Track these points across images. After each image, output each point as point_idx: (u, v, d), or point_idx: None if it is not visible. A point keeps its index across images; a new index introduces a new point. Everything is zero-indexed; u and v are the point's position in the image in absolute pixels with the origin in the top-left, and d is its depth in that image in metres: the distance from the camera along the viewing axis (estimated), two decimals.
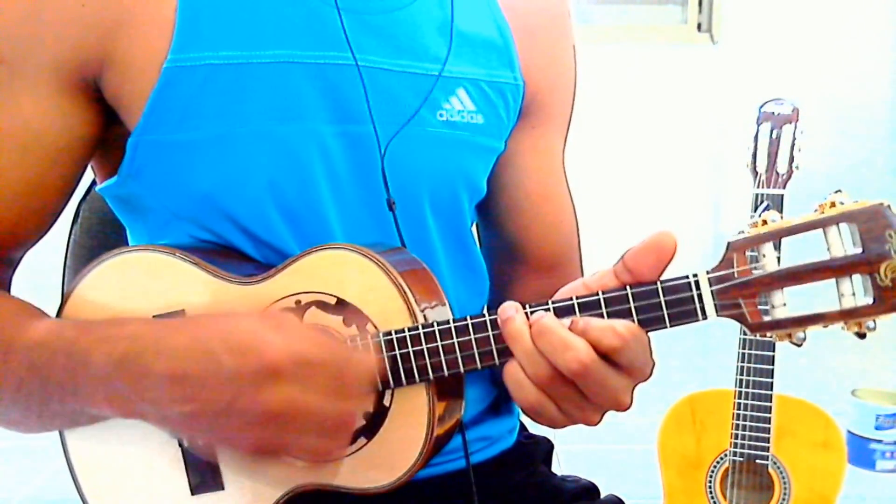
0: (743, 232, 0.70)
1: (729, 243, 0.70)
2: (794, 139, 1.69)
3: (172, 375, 0.70)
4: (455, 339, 0.75)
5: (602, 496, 1.06)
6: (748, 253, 0.70)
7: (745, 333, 1.70)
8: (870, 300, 0.68)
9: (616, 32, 3.12)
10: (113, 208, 0.92)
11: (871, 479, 2.68)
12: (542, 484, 1.03)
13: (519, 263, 1.02)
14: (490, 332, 0.74)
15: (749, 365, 1.70)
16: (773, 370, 1.70)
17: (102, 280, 0.82)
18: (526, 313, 0.73)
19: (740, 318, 0.71)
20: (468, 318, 0.75)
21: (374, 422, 0.78)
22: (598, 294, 0.72)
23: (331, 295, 0.78)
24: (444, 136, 0.90)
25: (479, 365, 0.75)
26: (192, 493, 0.82)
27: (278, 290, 0.79)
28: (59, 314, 0.83)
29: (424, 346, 0.75)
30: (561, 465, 2.38)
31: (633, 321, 0.71)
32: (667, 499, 1.84)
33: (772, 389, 1.70)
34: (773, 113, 1.70)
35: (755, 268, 0.70)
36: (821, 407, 1.79)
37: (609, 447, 2.79)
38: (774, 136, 1.69)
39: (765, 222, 0.69)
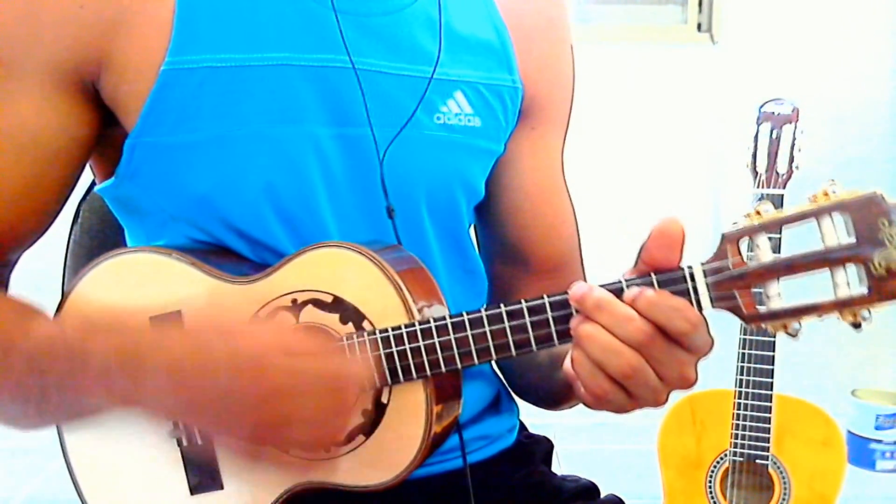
0: (737, 223, 0.70)
1: (723, 235, 0.70)
2: (794, 139, 1.69)
3: (171, 383, 0.71)
4: (452, 336, 0.75)
5: (602, 496, 1.06)
6: (744, 246, 0.70)
7: (745, 333, 1.70)
8: (864, 290, 0.68)
9: (616, 32, 3.11)
10: (111, 209, 0.92)
11: (871, 479, 2.68)
12: (541, 483, 1.03)
13: (519, 266, 1.02)
14: (487, 328, 0.74)
15: (749, 365, 1.70)
16: (773, 370, 1.70)
17: (100, 281, 0.83)
18: (547, 303, 0.73)
19: (735, 310, 0.71)
20: (464, 314, 0.75)
21: (372, 419, 0.78)
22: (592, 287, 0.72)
23: (327, 293, 0.78)
24: (441, 139, 0.90)
25: (476, 361, 0.75)
26: (192, 493, 0.82)
27: (275, 289, 0.79)
28: (57, 314, 0.83)
29: (421, 343, 0.76)
30: (561, 465, 2.38)
31: None
32: (667, 499, 1.84)
33: (772, 389, 1.70)
34: (773, 113, 1.71)
35: (750, 259, 0.70)
36: (821, 407, 1.80)
37: (609, 447, 2.79)
38: (774, 136, 1.70)
39: (758, 213, 0.69)
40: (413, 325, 0.76)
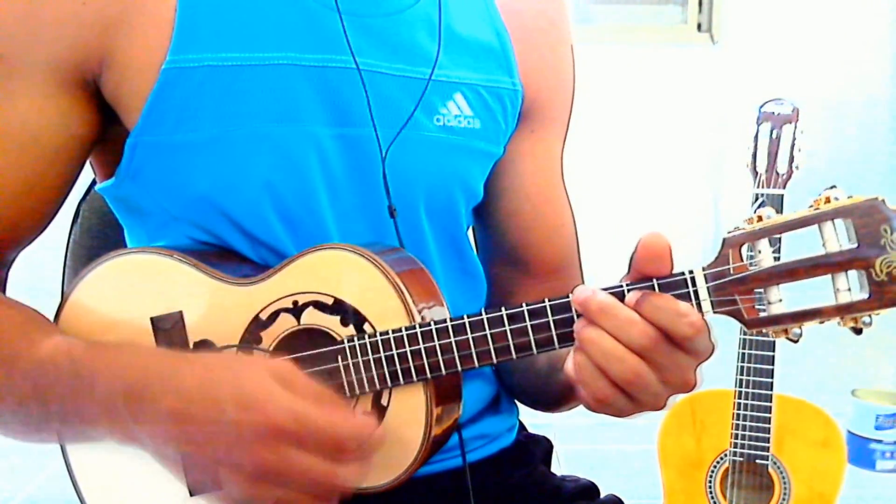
0: (738, 228, 0.70)
1: (724, 239, 0.70)
2: (794, 139, 1.69)
3: (175, 414, 0.70)
4: (452, 339, 0.75)
5: (602, 496, 1.06)
6: (745, 250, 0.70)
7: (744, 333, 1.70)
8: (865, 295, 0.68)
9: (616, 32, 3.11)
10: (112, 208, 0.92)
11: (871, 479, 2.68)
12: (540, 483, 1.03)
13: (518, 268, 1.02)
14: (488, 331, 0.74)
15: (749, 365, 1.70)
16: (773, 370, 1.70)
17: (101, 282, 0.82)
18: (547, 307, 0.73)
19: (736, 315, 0.70)
20: (465, 316, 0.75)
21: None
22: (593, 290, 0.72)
23: (328, 295, 0.78)
24: (440, 140, 0.90)
25: (476, 364, 0.75)
26: (191, 495, 0.82)
27: (276, 291, 0.79)
28: (57, 316, 0.83)
29: (422, 346, 0.76)
30: (561, 465, 2.38)
31: None
32: (667, 499, 1.84)
33: (772, 389, 1.70)
34: (773, 113, 1.70)
35: (751, 264, 0.70)
36: (821, 407, 1.79)
37: (609, 447, 2.79)
38: (774, 136, 1.69)
39: (760, 218, 0.69)
40: (413, 327, 0.76)
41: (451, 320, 0.75)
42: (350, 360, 0.78)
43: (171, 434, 0.72)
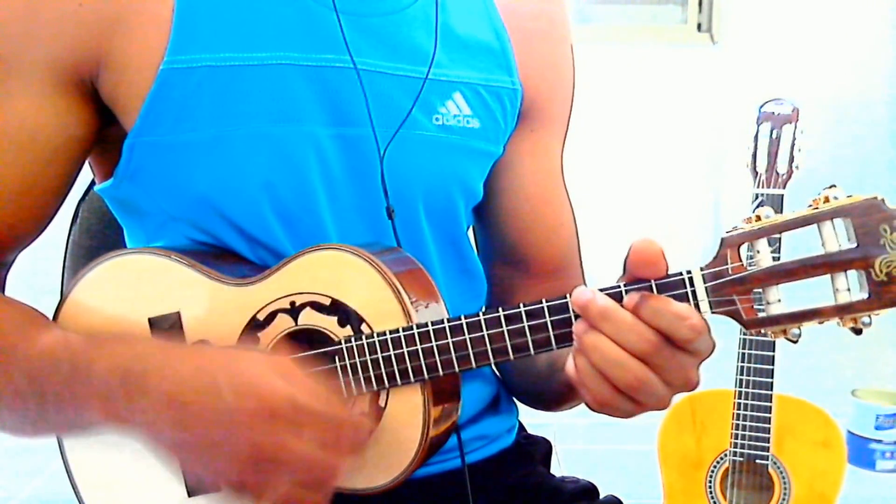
0: (736, 228, 0.70)
1: (722, 239, 0.70)
2: (794, 139, 1.69)
3: (172, 400, 0.70)
4: (450, 339, 0.75)
5: (601, 497, 1.06)
6: (744, 250, 0.70)
7: (744, 333, 1.70)
8: (865, 295, 0.67)
9: (616, 32, 3.11)
10: (111, 209, 0.92)
11: (871, 479, 2.67)
12: (540, 484, 1.03)
13: (518, 268, 1.02)
14: (485, 332, 0.74)
15: (749, 365, 1.70)
16: (773, 370, 1.69)
17: (99, 283, 0.83)
18: (546, 307, 0.72)
19: (735, 315, 0.70)
20: (462, 317, 0.75)
21: (370, 422, 0.78)
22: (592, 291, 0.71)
23: (325, 295, 0.78)
24: (439, 140, 0.90)
25: (474, 364, 0.75)
26: (189, 496, 0.82)
27: (273, 292, 0.79)
28: (55, 316, 0.83)
29: (419, 347, 0.75)
30: (561, 465, 2.38)
31: None
32: (667, 499, 1.84)
33: (772, 389, 1.70)
34: (773, 113, 1.70)
35: (750, 264, 0.69)
36: (821, 407, 1.79)
37: (609, 447, 2.79)
38: (774, 136, 1.69)
39: (759, 218, 0.69)
40: (411, 328, 0.76)
41: (449, 321, 0.75)
42: (347, 361, 0.78)
43: (168, 420, 0.71)
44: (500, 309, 0.74)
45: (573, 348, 0.73)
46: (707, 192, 3.10)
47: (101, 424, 0.76)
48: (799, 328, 0.70)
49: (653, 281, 0.70)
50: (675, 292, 0.70)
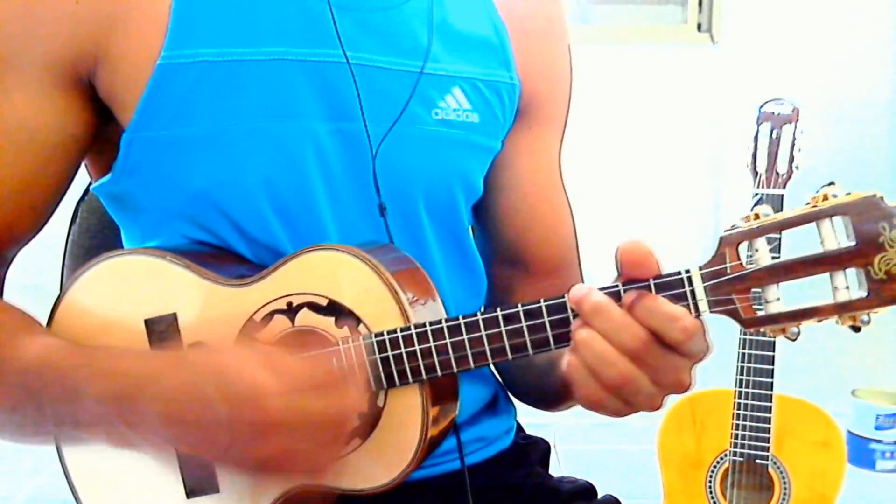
0: (735, 226, 0.70)
1: (721, 238, 0.70)
2: (794, 139, 1.69)
3: (168, 419, 0.70)
4: (448, 340, 0.75)
5: (599, 496, 1.06)
6: (743, 248, 0.70)
7: (744, 333, 1.70)
8: (864, 293, 0.67)
9: (616, 32, 3.11)
10: (106, 207, 0.92)
11: (871, 479, 2.68)
12: (538, 485, 1.03)
13: (517, 266, 1.02)
14: (483, 332, 0.74)
15: (749, 365, 1.70)
16: (773, 370, 1.69)
17: (94, 284, 0.82)
18: (543, 307, 0.72)
19: (733, 314, 0.70)
20: (460, 317, 0.75)
21: (369, 423, 0.78)
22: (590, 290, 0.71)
23: (322, 296, 0.78)
24: (439, 134, 0.90)
25: (472, 365, 0.75)
26: (188, 497, 0.82)
27: (270, 292, 0.79)
28: (50, 318, 0.83)
29: (417, 347, 0.75)
30: (560, 465, 2.38)
31: None
32: (667, 499, 1.84)
33: (772, 389, 1.70)
34: (773, 113, 1.70)
35: (748, 262, 0.69)
36: (821, 407, 1.79)
37: (609, 447, 2.79)
38: (774, 136, 1.69)
39: (757, 216, 0.69)
40: (408, 328, 0.75)
41: (447, 321, 0.75)
42: (345, 362, 0.77)
43: (167, 438, 0.72)
44: (499, 309, 0.74)
45: (569, 346, 0.73)
46: (707, 192, 3.10)
47: (103, 442, 0.77)
48: (798, 327, 0.70)
49: (651, 280, 0.70)
50: (673, 291, 0.70)
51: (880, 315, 0.69)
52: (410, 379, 0.76)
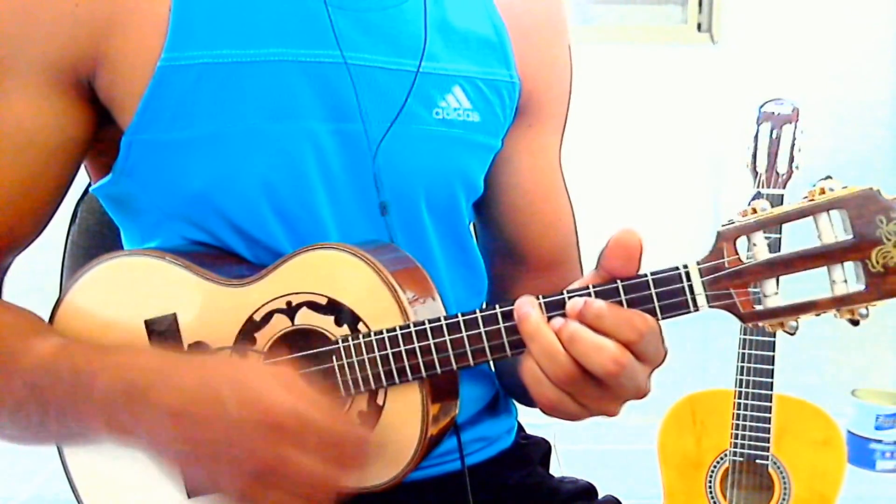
0: (732, 221, 0.70)
1: (718, 233, 0.70)
2: (794, 139, 1.69)
3: (176, 412, 0.70)
4: (447, 337, 0.75)
5: (600, 497, 1.06)
6: (741, 243, 0.70)
7: (744, 333, 1.70)
8: (862, 287, 0.67)
9: (616, 32, 3.11)
10: (106, 208, 0.92)
11: (871, 479, 2.68)
12: (539, 485, 1.03)
13: (518, 263, 1.02)
14: (482, 329, 0.74)
15: (749, 365, 1.70)
16: (773, 370, 1.69)
17: (94, 285, 0.82)
18: (540, 304, 0.72)
19: (732, 309, 0.70)
20: (459, 315, 0.75)
21: (368, 421, 0.78)
22: (588, 287, 0.71)
23: (322, 295, 0.78)
24: (440, 133, 0.90)
25: (471, 362, 0.75)
26: (188, 497, 0.82)
27: (269, 292, 0.79)
28: (51, 319, 0.83)
29: (416, 345, 0.75)
30: (561, 465, 2.38)
31: None
32: (667, 499, 1.84)
33: (772, 389, 1.70)
34: (773, 113, 1.70)
35: (747, 257, 0.69)
36: (821, 407, 1.79)
37: (609, 447, 2.79)
38: (774, 136, 1.69)
39: (754, 211, 0.69)
40: (408, 326, 0.76)
41: (446, 319, 0.75)
42: (345, 360, 0.78)
43: (172, 433, 0.71)
44: (498, 306, 0.74)
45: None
46: (707, 192, 3.10)
47: (104, 436, 0.76)
48: (796, 320, 0.70)
49: (649, 275, 0.70)
50: (672, 287, 0.70)
51: (880, 315, 0.69)
52: (410, 376, 0.76)
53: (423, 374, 0.76)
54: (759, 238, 0.69)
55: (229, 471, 0.70)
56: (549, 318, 0.71)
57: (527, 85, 0.97)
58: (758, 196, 1.67)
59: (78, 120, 0.83)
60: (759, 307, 0.70)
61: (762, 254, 0.69)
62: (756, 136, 1.71)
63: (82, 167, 0.89)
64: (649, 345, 0.70)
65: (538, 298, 0.73)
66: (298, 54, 0.84)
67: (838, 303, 0.68)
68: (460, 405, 0.83)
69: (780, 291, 0.69)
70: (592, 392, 0.71)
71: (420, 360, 0.75)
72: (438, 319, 0.75)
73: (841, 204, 0.67)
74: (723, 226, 0.70)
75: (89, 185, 0.98)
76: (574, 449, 2.64)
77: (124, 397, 0.72)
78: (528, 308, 0.71)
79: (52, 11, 0.79)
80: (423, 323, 0.75)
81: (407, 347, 0.75)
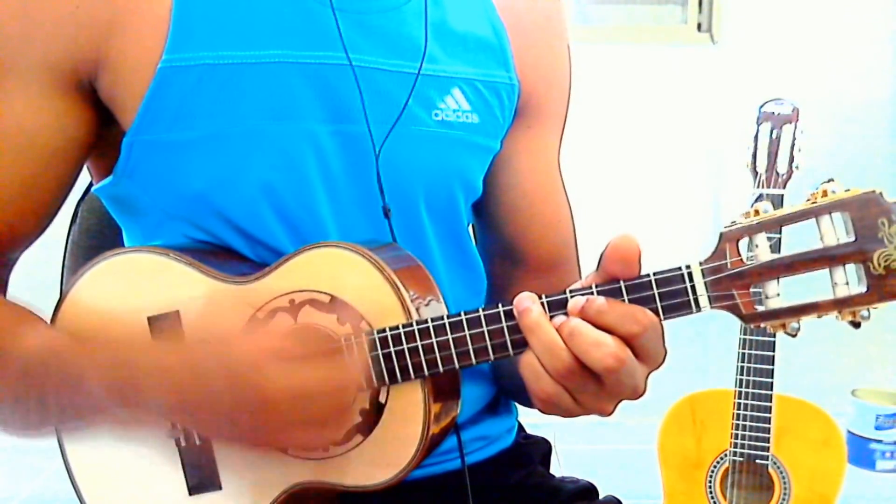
0: (735, 222, 0.70)
1: (721, 234, 0.70)
2: (794, 139, 1.69)
3: (172, 408, 0.73)
4: (450, 336, 0.75)
5: (601, 497, 1.06)
6: (743, 244, 0.70)
7: (745, 333, 1.70)
8: (863, 289, 0.68)
9: (616, 32, 3.11)
10: (108, 208, 0.92)
11: (871, 479, 2.68)
12: (539, 484, 1.03)
13: (516, 264, 1.02)
14: (485, 328, 0.74)
15: (749, 365, 1.70)
16: (773, 370, 1.70)
17: (97, 282, 0.82)
18: (542, 303, 0.72)
19: (734, 310, 0.70)
20: (462, 313, 0.75)
21: (370, 419, 0.78)
22: (591, 287, 0.72)
23: (324, 293, 0.78)
24: (439, 135, 0.90)
25: (473, 361, 0.75)
26: (190, 494, 0.82)
27: (272, 289, 0.79)
28: (54, 316, 0.83)
29: (419, 343, 0.75)
30: (561, 465, 2.38)
31: None
32: (667, 499, 1.84)
33: (772, 389, 1.70)
34: (773, 113, 1.70)
35: (749, 258, 0.70)
36: (821, 407, 1.79)
37: (609, 447, 2.79)
38: (774, 136, 1.69)
39: (757, 212, 0.69)
40: (410, 325, 0.76)
41: (448, 317, 0.75)
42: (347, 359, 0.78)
43: (166, 409, 0.74)
44: (500, 305, 0.74)
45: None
46: (707, 192, 3.10)
47: (106, 431, 0.78)
48: (798, 322, 0.70)
49: (652, 276, 0.70)
50: (674, 287, 0.70)
51: (880, 316, 0.69)
52: (412, 375, 0.76)
53: (426, 372, 0.76)
54: (762, 239, 0.69)
55: (230, 437, 0.74)
56: (552, 318, 0.72)
57: (526, 86, 0.97)
58: (760, 197, 1.67)
59: (79, 121, 0.83)
60: (760, 308, 0.70)
61: (764, 255, 0.69)
62: (756, 136, 1.71)
63: (85, 168, 0.89)
64: (650, 340, 0.70)
65: (541, 297, 0.73)
66: (300, 56, 0.84)
67: (840, 305, 0.68)
68: (461, 404, 0.83)
69: (781, 293, 0.69)
70: (590, 388, 0.71)
71: (422, 358, 0.75)
72: (441, 318, 0.75)
73: (843, 206, 0.67)
74: (726, 227, 0.70)
75: (90, 185, 0.98)
76: (574, 449, 2.64)
77: (116, 396, 0.74)
78: (528, 302, 0.72)
79: (54, 13, 0.79)
80: (425, 321, 0.75)
81: (409, 346, 0.75)
